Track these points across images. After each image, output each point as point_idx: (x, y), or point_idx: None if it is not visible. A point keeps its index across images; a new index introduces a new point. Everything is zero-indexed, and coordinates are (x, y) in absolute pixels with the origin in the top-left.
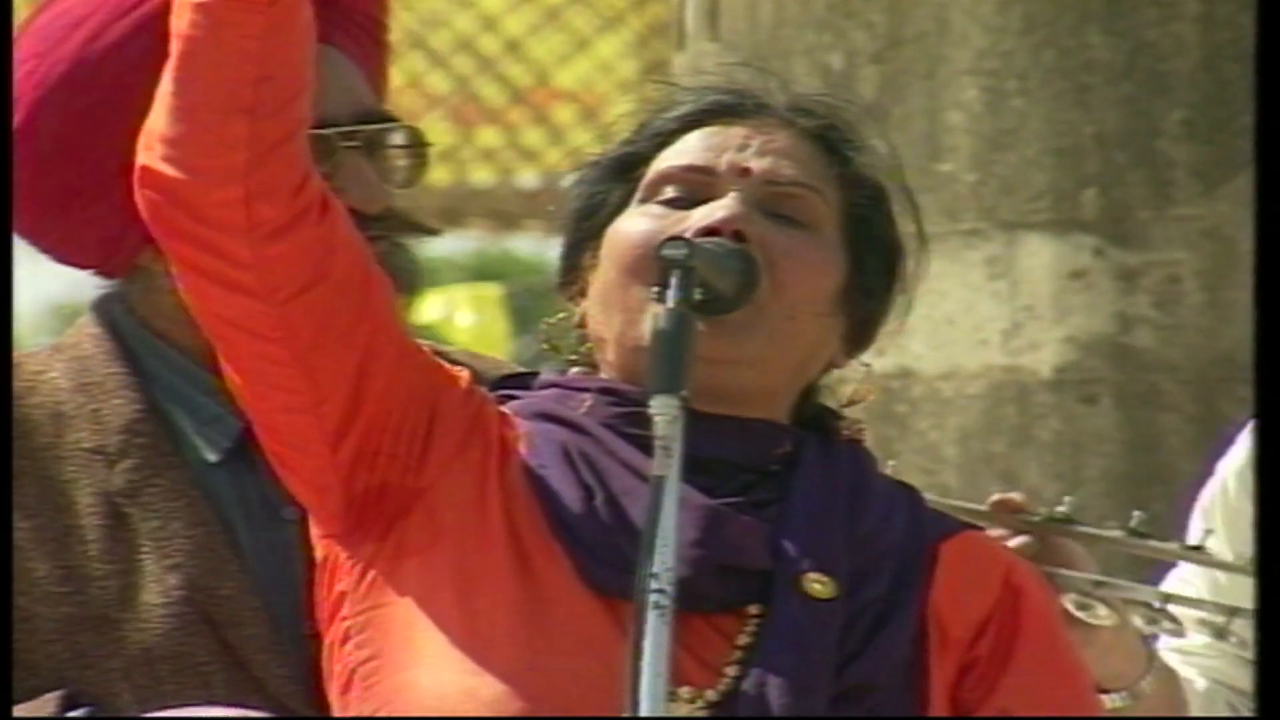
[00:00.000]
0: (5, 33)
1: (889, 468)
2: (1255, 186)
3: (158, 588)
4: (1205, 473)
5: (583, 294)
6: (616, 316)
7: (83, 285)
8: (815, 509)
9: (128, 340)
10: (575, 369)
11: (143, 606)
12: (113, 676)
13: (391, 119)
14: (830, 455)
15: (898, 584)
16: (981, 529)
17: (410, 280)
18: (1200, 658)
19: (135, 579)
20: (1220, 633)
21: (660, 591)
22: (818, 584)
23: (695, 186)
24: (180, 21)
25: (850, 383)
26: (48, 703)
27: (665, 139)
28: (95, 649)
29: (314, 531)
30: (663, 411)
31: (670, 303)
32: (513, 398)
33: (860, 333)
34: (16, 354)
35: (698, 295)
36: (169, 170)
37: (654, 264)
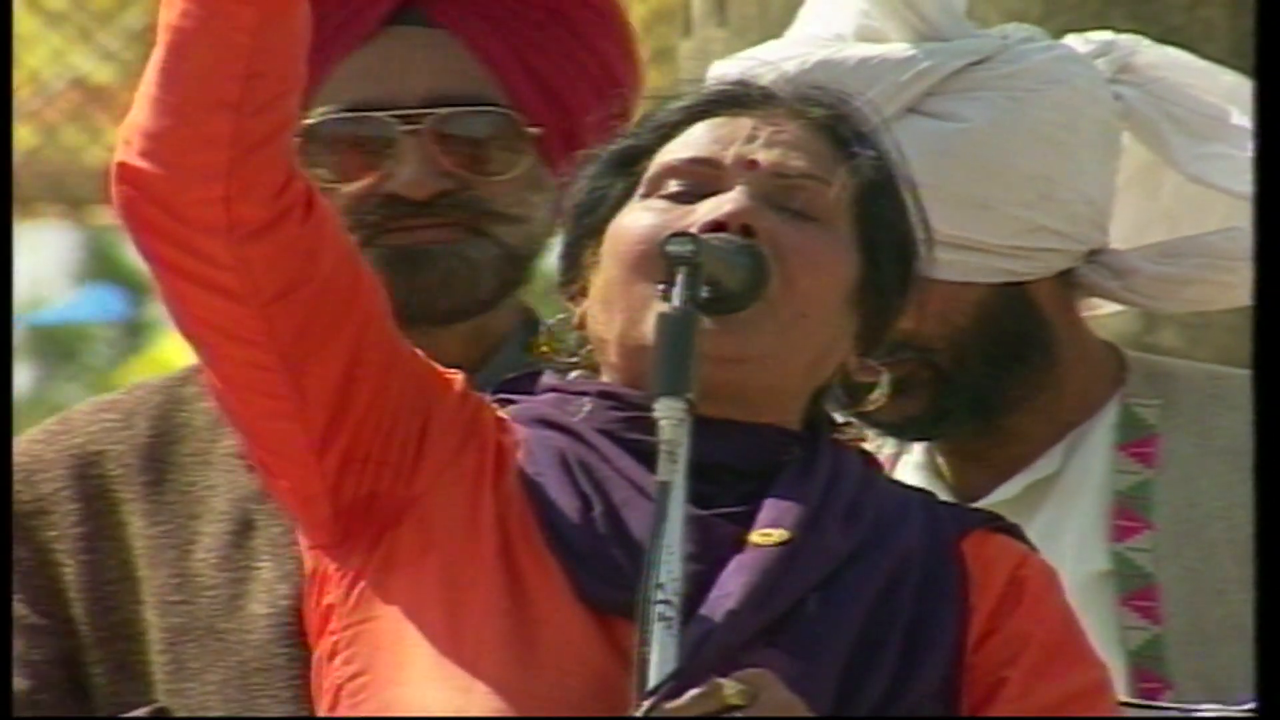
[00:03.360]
0: (5, 33)
1: None
2: (1255, 186)
3: (266, 597)
4: None
5: (583, 293)
6: (618, 316)
7: None
8: (785, 494)
9: None
10: (577, 372)
11: (248, 617)
12: (209, 690)
13: (475, 103)
14: (817, 454)
15: (928, 593)
16: (1002, 519)
17: (457, 283)
18: None
19: (247, 588)
20: None
21: (666, 603)
22: (761, 536)
23: (700, 180)
24: (170, 12)
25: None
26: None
27: (669, 131)
28: (196, 660)
29: (302, 542)
30: (668, 415)
31: (676, 301)
32: (513, 401)
33: (874, 332)
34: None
35: (705, 293)
36: (147, 165)
37: (658, 261)
